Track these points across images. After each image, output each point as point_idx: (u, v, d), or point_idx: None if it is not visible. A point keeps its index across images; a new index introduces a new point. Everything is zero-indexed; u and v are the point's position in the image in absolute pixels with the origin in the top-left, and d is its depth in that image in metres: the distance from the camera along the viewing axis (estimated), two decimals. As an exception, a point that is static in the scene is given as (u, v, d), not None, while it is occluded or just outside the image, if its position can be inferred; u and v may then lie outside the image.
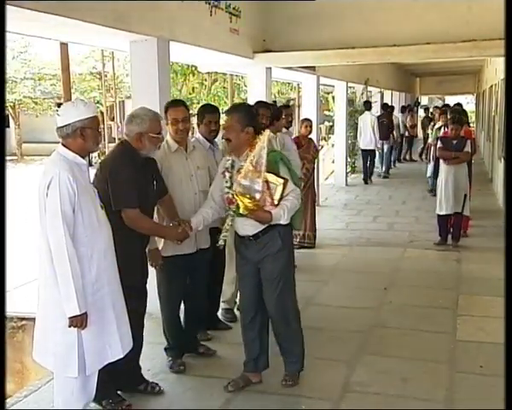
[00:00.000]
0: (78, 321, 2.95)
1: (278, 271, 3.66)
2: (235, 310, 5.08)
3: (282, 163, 3.60)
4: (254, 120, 3.71)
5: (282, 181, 3.46)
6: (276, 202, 3.46)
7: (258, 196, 3.40)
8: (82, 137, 3.00)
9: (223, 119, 3.97)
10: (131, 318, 3.39)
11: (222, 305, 5.12)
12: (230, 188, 3.54)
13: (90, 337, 3.04)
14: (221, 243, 3.69)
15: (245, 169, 3.42)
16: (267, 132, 3.50)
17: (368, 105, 14.27)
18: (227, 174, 3.61)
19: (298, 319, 3.86)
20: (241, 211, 3.45)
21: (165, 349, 4.28)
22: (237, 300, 5.05)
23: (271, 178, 3.44)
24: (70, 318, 2.93)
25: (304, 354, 3.91)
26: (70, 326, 2.95)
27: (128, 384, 3.78)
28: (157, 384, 3.88)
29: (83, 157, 3.06)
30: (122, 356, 3.19)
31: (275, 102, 8.37)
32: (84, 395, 3.17)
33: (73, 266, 2.88)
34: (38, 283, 3.11)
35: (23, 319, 5.78)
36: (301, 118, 8.29)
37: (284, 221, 3.55)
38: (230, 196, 3.51)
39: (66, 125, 3.00)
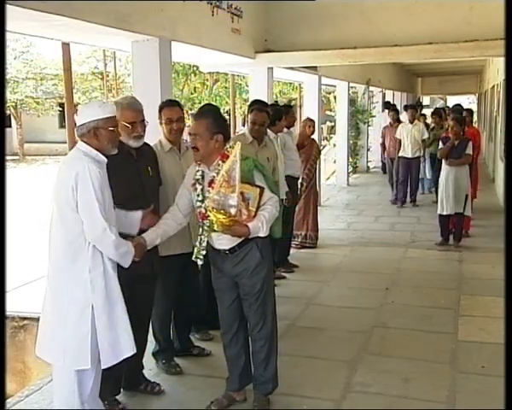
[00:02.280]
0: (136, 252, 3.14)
1: (258, 286, 3.40)
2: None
3: (257, 170, 3.33)
4: (224, 126, 3.38)
5: (257, 190, 3.21)
6: (252, 213, 3.19)
7: (233, 211, 3.11)
8: (96, 137, 3.02)
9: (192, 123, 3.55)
10: (139, 310, 3.36)
11: None
12: (202, 202, 3.27)
13: (102, 329, 3.01)
14: (199, 262, 3.40)
15: (217, 184, 3.13)
16: (238, 145, 3.20)
17: (388, 104, 15.61)
18: (198, 187, 3.33)
19: (276, 336, 3.61)
20: (215, 228, 3.18)
21: (155, 353, 4.19)
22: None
23: (246, 188, 3.18)
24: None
25: (277, 374, 3.63)
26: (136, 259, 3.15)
27: (129, 384, 3.78)
28: (158, 384, 3.88)
29: (104, 155, 3.07)
30: (133, 353, 3.14)
31: (276, 102, 8.35)
32: (82, 394, 3.12)
33: (117, 237, 2.97)
34: (47, 278, 3.12)
35: (25, 318, 5.78)
36: (303, 118, 8.26)
37: (263, 233, 3.28)
38: (203, 210, 3.24)
39: (81, 125, 3.04)
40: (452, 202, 7.38)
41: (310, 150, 7.29)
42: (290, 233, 6.84)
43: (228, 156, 3.22)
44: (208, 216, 3.19)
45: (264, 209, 3.25)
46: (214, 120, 3.30)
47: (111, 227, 2.95)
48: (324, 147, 17.30)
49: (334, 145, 15.71)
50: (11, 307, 5.73)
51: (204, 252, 3.38)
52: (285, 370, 4.16)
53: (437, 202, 7.82)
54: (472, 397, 3.78)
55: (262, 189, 3.24)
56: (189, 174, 3.46)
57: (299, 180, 6.98)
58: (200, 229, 3.34)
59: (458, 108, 11.95)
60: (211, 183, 3.22)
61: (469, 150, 7.37)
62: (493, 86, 14.91)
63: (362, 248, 7.82)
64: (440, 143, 7.69)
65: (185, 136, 4.31)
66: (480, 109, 23.56)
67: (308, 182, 7.31)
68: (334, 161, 14.93)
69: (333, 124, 20.62)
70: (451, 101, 32.81)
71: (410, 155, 10.65)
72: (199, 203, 3.30)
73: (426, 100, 34.47)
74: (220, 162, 3.23)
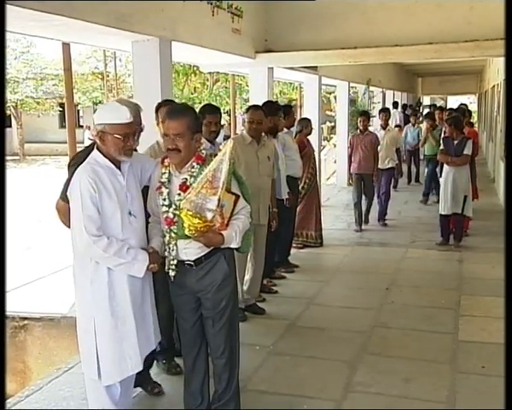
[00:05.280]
0: (154, 265, 3.02)
1: (224, 302, 3.13)
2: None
3: (233, 176, 3.07)
4: (201, 125, 3.18)
5: (233, 197, 2.98)
6: (225, 222, 2.94)
7: (209, 215, 2.84)
8: (102, 141, 2.93)
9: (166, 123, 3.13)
10: None
11: None
12: (169, 206, 3.01)
13: (104, 346, 2.97)
14: (172, 273, 3.12)
15: (199, 184, 2.85)
16: (230, 142, 2.97)
17: (396, 104, 17.09)
18: (164, 190, 3.05)
19: (238, 356, 3.32)
20: (186, 232, 2.91)
21: (156, 353, 4.04)
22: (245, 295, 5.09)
23: (222, 193, 2.90)
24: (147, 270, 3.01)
25: (239, 394, 3.37)
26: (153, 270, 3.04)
27: (139, 383, 3.76)
28: (159, 385, 3.84)
29: (113, 161, 2.95)
30: (142, 368, 3.12)
31: (277, 102, 8.35)
32: (110, 400, 3.10)
33: (110, 248, 2.86)
34: None
35: (25, 318, 5.78)
36: (303, 118, 8.24)
37: (236, 244, 3.04)
38: (171, 215, 3.00)
39: (94, 126, 2.96)
40: (450, 202, 7.37)
41: (309, 150, 7.27)
42: (292, 233, 6.84)
43: (202, 158, 3.04)
44: (176, 222, 2.98)
45: (237, 219, 3.04)
46: (195, 118, 3.07)
47: (101, 238, 2.84)
48: (324, 147, 17.33)
49: (335, 145, 15.71)
50: (12, 307, 5.73)
51: (175, 262, 3.09)
52: (285, 370, 4.18)
53: (438, 201, 7.82)
54: (472, 397, 3.78)
55: (237, 196, 3.03)
56: (155, 176, 3.16)
57: (303, 180, 6.99)
58: (167, 236, 3.07)
59: (462, 107, 12.03)
60: (183, 186, 2.98)
61: (468, 150, 7.33)
62: (493, 86, 14.92)
63: (362, 248, 7.82)
64: (442, 144, 7.65)
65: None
66: (481, 109, 23.57)
67: (312, 181, 7.31)
68: (335, 161, 14.94)
69: (333, 124, 20.66)
70: (451, 101, 32.85)
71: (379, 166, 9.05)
72: (165, 208, 3.04)
73: (426, 100, 34.49)
74: (195, 164, 3.01)
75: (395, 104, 17.38)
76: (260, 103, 5.65)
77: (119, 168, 2.99)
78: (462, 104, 13.57)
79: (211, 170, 2.86)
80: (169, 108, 3.20)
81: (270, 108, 5.52)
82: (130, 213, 3.00)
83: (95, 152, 2.98)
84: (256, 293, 5.40)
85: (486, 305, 5.49)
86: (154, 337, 3.22)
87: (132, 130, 2.96)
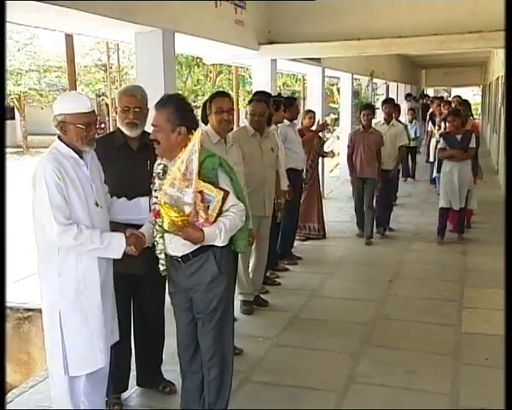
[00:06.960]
0: (131, 247, 2.92)
1: (214, 303, 3.00)
2: None
3: (222, 170, 2.94)
4: (188, 117, 2.96)
5: (221, 193, 2.83)
6: (211, 219, 2.82)
7: (187, 209, 2.75)
8: (64, 131, 2.87)
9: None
10: (150, 309, 3.36)
11: (239, 296, 5.08)
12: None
13: (72, 339, 2.93)
14: (162, 268, 3.05)
15: (172, 176, 2.79)
16: (198, 132, 2.86)
17: (409, 97, 16.92)
18: (157, 181, 2.97)
19: (232, 364, 3.17)
20: (165, 226, 2.81)
21: None
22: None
23: (207, 188, 2.79)
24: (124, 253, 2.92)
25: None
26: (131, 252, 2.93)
27: (146, 381, 3.78)
28: (170, 384, 3.75)
29: (77, 151, 2.90)
30: (104, 365, 3.04)
31: (280, 94, 8.33)
32: (73, 397, 3.05)
33: (80, 236, 2.80)
34: None
35: (29, 310, 5.81)
36: (305, 110, 8.23)
37: (220, 243, 2.89)
38: (158, 207, 2.86)
39: (53, 117, 2.88)
40: (455, 196, 7.33)
41: (311, 142, 7.26)
42: (295, 225, 6.84)
43: None
44: (161, 214, 2.85)
45: (225, 216, 2.88)
46: (176, 110, 2.90)
47: (71, 227, 2.78)
48: (328, 139, 17.27)
49: (338, 138, 15.66)
50: (16, 299, 5.76)
51: (163, 256, 3.02)
52: (289, 361, 4.20)
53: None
54: (475, 389, 3.79)
55: (227, 193, 2.86)
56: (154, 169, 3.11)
57: (304, 172, 6.98)
58: (154, 229, 3.01)
59: (465, 100, 11.93)
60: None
61: (473, 144, 7.30)
62: (498, 78, 14.85)
63: (365, 241, 7.81)
64: (441, 140, 7.58)
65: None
66: (485, 101, 23.47)
67: (311, 173, 7.30)
68: (338, 154, 14.88)
69: (336, 116, 20.59)
70: (455, 92, 32.67)
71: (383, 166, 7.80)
72: (154, 199, 2.93)
73: (430, 92, 34.33)
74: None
75: (407, 96, 17.09)
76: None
77: (81, 159, 2.96)
78: (456, 96, 13.23)
79: (183, 161, 2.76)
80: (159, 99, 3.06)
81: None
82: (96, 204, 2.97)
83: (57, 142, 2.92)
84: (259, 285, 5.41)
85: (489, 297, 5.50)
86: (116, 330, 3.18)
87: (93, 119, 2.89)
